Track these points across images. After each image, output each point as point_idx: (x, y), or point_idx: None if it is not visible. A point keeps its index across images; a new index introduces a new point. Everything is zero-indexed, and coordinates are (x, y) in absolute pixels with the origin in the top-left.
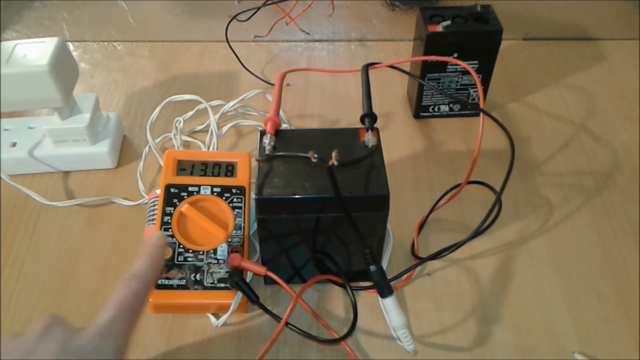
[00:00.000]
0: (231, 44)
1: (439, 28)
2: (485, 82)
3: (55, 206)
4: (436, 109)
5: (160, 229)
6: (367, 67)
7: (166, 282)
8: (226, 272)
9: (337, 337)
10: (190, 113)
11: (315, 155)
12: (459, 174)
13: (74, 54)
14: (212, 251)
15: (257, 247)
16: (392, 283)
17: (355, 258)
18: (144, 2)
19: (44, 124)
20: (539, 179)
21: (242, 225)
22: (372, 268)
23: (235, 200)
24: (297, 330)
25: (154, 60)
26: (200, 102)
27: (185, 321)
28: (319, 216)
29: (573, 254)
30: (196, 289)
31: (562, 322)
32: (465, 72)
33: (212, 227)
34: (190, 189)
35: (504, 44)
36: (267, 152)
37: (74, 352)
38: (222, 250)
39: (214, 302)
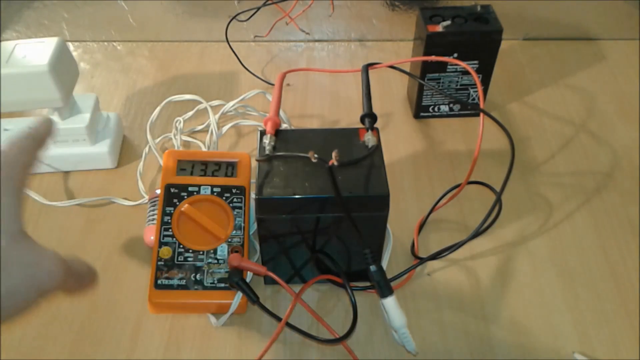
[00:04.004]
0: (231, 44)
1: (439, 28)
2: (485, 82)
3: (55, 206)
4: (436, 109)
5: (160, 229)
6: (367, 67)
7: (166, 282)
8: (226, 272)
9: (337, 337)
10: (190, 113)
11: (315, 155)
12: (459, 174)
13: (74, 54)
14: (212, 251)
15: (257, 247)
16: (392, 283)
17: (355, 258)
18: (144, 2)
19: None
20: (539, 179)
21: (242, 225)
22: (372, 268)
23: (235, 200)
24: (297, 330)
25: (154, 60)
26: (200, 102)
27: (185, 321)
28: (319, 216)
29: (573, 254)
30: (196, 289)
31: (562, 322)
32: (465, 72)
33: (212, 227)
34: (190, 189)
35: (504, 44)
36: (267, 152)
37: None
38: (222, 250)
39: (214, 302)
